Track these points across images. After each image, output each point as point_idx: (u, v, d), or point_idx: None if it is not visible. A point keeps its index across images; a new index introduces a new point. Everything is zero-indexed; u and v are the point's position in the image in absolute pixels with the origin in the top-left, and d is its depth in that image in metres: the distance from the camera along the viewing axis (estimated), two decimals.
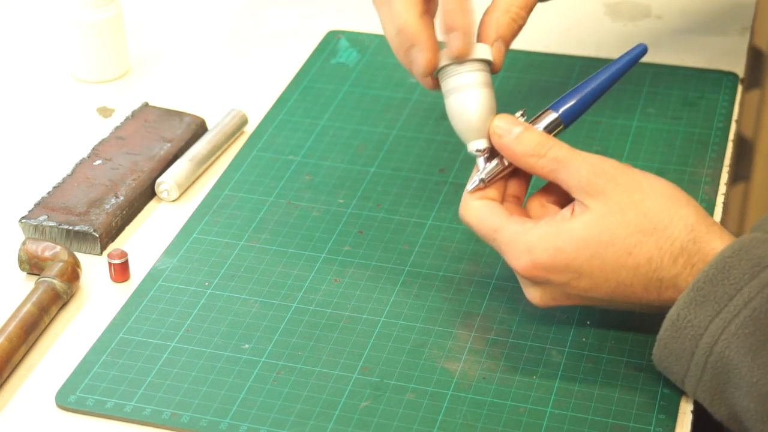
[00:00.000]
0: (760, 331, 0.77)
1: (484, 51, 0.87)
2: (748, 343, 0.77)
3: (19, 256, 0.93)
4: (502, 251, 0.85)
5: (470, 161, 1.05)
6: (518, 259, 0.84)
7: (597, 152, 1.06)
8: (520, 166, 0.86)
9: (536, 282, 0.85)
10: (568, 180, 0.84)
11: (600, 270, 0.83)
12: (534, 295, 0.86)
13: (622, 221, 0.82)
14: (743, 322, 0.78)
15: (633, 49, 0.88)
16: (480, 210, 0.86)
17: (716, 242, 0.81)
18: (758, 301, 0.78)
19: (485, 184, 0.86)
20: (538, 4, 0.93)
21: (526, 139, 0.85)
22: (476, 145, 0.87)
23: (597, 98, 0.88)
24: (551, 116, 0.87)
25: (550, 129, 0.87)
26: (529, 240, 0.83)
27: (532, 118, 0.87)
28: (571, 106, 0.88)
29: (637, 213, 0.82)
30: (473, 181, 0.87)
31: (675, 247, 0.82)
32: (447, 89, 0.87)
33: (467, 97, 0.86)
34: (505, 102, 1.13)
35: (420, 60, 0.86)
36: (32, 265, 0.93)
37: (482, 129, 0.86)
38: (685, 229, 0.82)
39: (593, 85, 0.88)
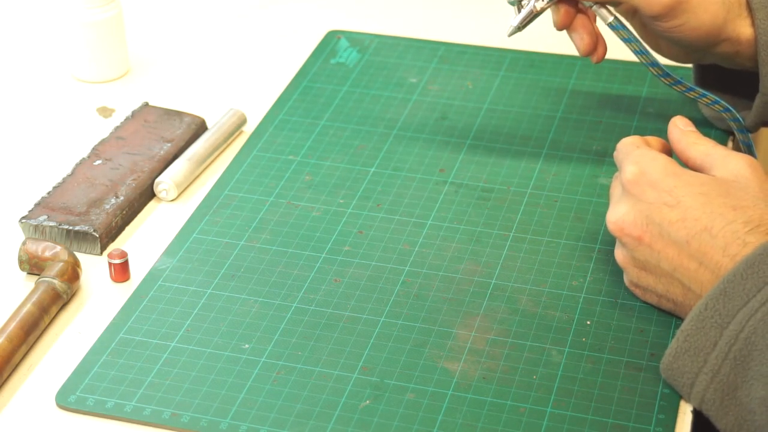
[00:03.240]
0: None
1: None
2: None
3: (19, 256, 0.93)
4: (624, 158, 0.89)
5: (470, 161, 1.05)
6: (632, 164, 0.88)
7: (597, 152, 1.07)
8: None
9: (631, 194, 0.87)
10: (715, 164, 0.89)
11: (697, 208, 0.85)
12: (620, 209, 0.88)
13: (740, 187, 0.86)
14: None
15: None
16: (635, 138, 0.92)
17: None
18: None
19: (519, 29, 1.00)
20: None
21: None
22: None
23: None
24: None
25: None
26: (653, 156, 0.88)
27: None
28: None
29: (753, 190, 0.86)
30: (510, 29, 1.00)
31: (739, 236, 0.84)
32: None
33: None
34: (505, 102, 1.13)
35: None
36: (32, 265, 0.93)
37: None
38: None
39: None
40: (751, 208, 0.84)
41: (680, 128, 0.92)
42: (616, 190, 0.90)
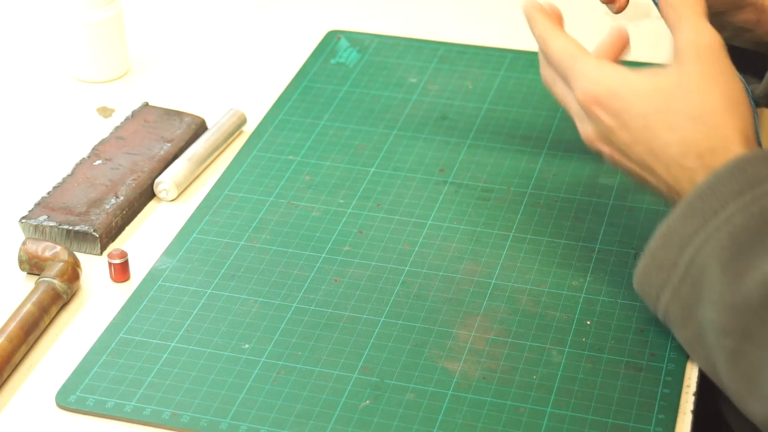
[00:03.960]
0: (735, 246, 0.80)
1: None
2: (723, 256, 0.80)
3: (19, 256, 0.93)
4: (572, 76, 0.88)
5: (470, 161, 1.05)
6: (583, 88, 0.87)
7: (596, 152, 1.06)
8: None
9: (590, 116, 0.87)
10: (677, 31, 0.88)
11: (642, 130, 0.85)
12: (585, 128, 0.89)
13: (685, 99, 0.85)
14: (722, 236, 0.80)
15: None
16: (567, 41, 0.90)
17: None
18: (739, 218, 0.80)
19: None
20: None
21: None
22: None
23: None
24: None
25: None
26: (600, 74, 0.87)
27: None
28: None
29: (701, 99, 0.85)
30: None
31: (703, 146, 0.84)
32: None
33: None
34: (505, 102, 1.13)
35: None
36: (32, 265, 0.93)
37: None
38: (724, 138, 0.84)
39: None
40: (694, 129, 0.84)
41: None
42: (572, 105, 0.90)
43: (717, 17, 1.01)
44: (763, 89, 1.00)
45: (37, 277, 0.92)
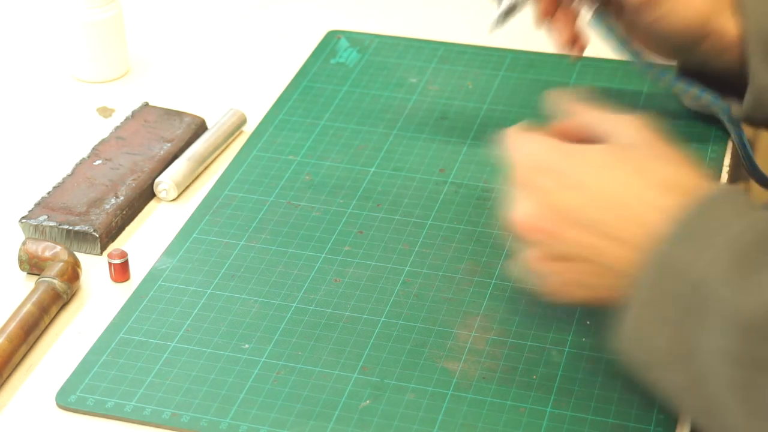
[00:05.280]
0: (746, 264, 0.73)
1: None
2: (731, 274, 0.73)
3: (19, 256, 0.93)
4: (508, 152, 0.83)
5: (470, 162, 1.05)
6: (517, 155, 0.82)
7: None
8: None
9: (527, 187, 0.81)
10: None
11: (602, 183, 0.79)
12: (523, 207, 0.81)
13: (637, 150, 0.81)
14: (730, 254, 0.73)
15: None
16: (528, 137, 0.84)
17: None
18: (749, 235, 0.74)
19: (501, 23, 0.98)
20: None
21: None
22: None
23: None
24: None
25: None
26: (534, 140, 0.82)
27: None
28: None
29: (654, 151, 0.81)
30: (491, 24, 0.98)
31: (671, 181, 0.79)
32: None
33: None
34: (505, 102, 1.13)
35: None
36: (32, 265, 0.93)
37: None
38: (693, 177, 0.79)
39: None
40: (655, 170, 0.79)
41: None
42: (511, 191, 0.83)
43: (682, 51, 1.02)
44: (747, 109, 1.01)
45: (37, 277, 0.92)
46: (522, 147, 0.83)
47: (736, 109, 1.02)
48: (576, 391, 0.84)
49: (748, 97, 1.00)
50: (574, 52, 1.01)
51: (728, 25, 0.99)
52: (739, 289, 0.72)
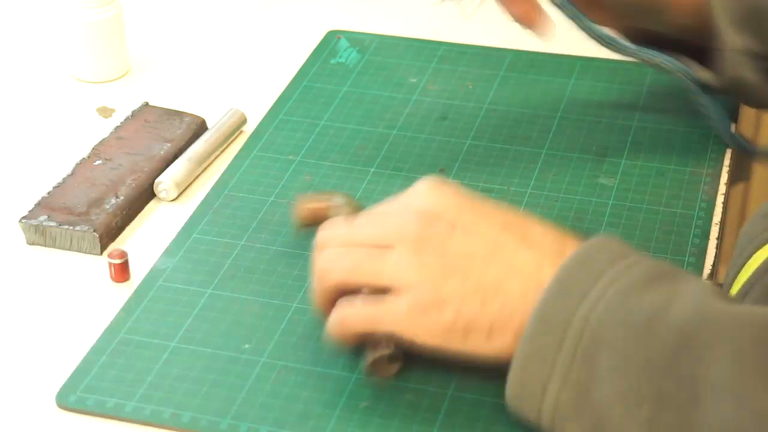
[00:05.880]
0: (633, 301, 0.74)
1: None
2: (620, 314, 0.73)
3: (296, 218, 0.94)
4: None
5: (470, 162, 1.05)
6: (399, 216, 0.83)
7: (597, 152, 1.06)
8: None
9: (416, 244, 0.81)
10: None
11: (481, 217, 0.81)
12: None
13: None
14: (616, 295, 0.74)
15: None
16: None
17: None
18: (636, 270, 0.75)
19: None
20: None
21: None
22: None
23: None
24: None
25: None
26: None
27: None
28: None
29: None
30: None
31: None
32: None
33: None
34: (505, 102, 1.13)
35: None
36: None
37: None
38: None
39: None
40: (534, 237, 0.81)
41: None
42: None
43: (640, 20, 1.01)
44: (721, 79, 1.00)
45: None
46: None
47: (703, 75, 1.01)
48: None
49: (716, 62, 0.99)
50: (535, 28, 1.00)
51: None
52: (633, 328, 0.73)
